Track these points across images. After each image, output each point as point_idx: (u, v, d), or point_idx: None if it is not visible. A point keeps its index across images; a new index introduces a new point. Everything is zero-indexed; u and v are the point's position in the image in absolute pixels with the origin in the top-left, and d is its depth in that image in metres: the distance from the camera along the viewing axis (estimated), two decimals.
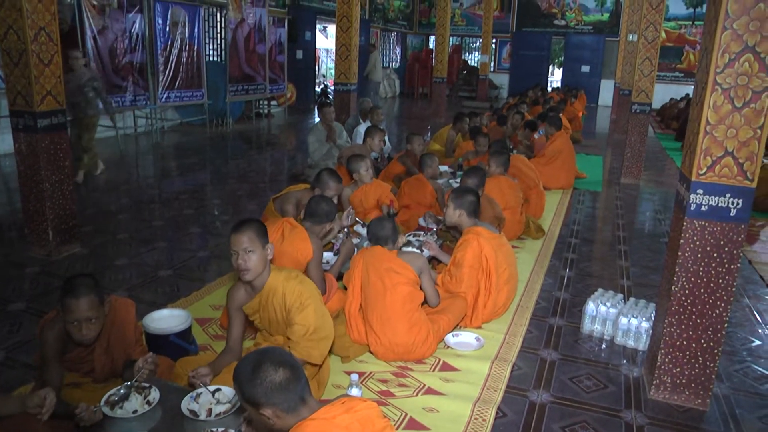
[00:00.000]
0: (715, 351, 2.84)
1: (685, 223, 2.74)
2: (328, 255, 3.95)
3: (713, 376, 2.89)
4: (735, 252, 2.71)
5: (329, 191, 4.03)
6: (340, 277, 3.64)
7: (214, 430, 2.04)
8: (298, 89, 14.77)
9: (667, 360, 2.93)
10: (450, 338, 3.43)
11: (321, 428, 1.63)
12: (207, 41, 11.31)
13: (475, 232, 3.69)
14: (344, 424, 1.67)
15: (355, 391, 2.50)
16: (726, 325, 2.81)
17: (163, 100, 9.88)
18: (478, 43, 22.14)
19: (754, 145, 2.58)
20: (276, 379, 1.62)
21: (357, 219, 4.48)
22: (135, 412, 2.13)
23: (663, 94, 17.15)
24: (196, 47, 10.43)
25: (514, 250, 4.31)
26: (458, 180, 5.21)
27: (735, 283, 2.76)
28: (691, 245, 2.76)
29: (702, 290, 2.80)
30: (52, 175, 4.38)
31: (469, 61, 22.84)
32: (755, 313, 4.15)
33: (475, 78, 20.52)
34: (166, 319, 3.01)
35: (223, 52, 11.81)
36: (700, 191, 2.69)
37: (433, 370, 3.15)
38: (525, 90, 16.72)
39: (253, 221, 2.58)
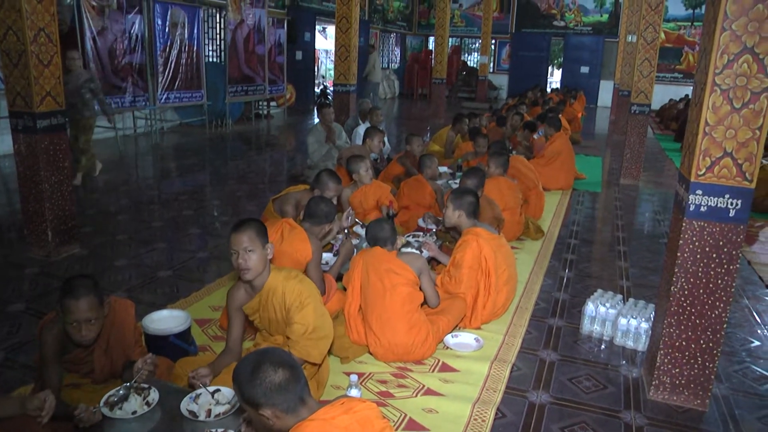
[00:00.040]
0: (715, 351, 2.84)
1: (684, 224, 2.75)
2: (327, 256, 3.95)
3: (712, 377, 2.89)
4: (734, 253, 2.72)
5: (329, 192, 4.03)
6: (339, 278, 3.64)
7: (214, 430, 2.04)
8: (297, 90, 14.77)
9: (666, 360, 2.93)
10: (449, 339, 3.44)
11: (320, 429, 1.63)
12: (206, 42, 11.31)
13: (475, 233, 3.70)
14: (343, 425, 1.67)
15: (354, 392, 2.50)
16: (725, 325, 2.81)
17: (163, 101, 9.88)
18: (477, 44, 22.17)
19: (752, 145, 2.58)
20: (275, 379, 1.62)
21: (356, 220, 4.48)
22: (134, 413, 2.13)
23: (662, 95, 17.16)
24: (195, 48, 10.43)
25: (514, 251, 4.31)
26: (457, 181, 5.22)
27: (734, 284, 2.76)
28: (690, 246, 2.77)
29: (701, 291, 2.80)
30: (52, 175, 4.38)
31: (468, 62, 22.86)
32: (754, 313, 4.15)
33: (474, 79, 20.54)
34: (166, 320, 3.01)
35: (222, 53, 11.81)
36: (699, 192, 2.69)
37: (433, 371, 3.15)
38: (524, 91, 16.73)
39: (253, 221, 2.59)
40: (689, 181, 2.70)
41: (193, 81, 10.45)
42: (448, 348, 3.39)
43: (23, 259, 4.43)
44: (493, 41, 20.71)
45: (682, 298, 2.83)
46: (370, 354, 3.24)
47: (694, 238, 2.75)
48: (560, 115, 9.75)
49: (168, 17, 9.73)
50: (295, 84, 14.59)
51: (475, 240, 3.65)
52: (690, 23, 19.47)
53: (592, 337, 3.65)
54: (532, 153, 7.87)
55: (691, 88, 2.86)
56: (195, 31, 10.39)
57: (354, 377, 2.55)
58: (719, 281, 2.76)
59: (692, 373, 2.90)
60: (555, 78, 23.86)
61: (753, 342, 3.73)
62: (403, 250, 3.75)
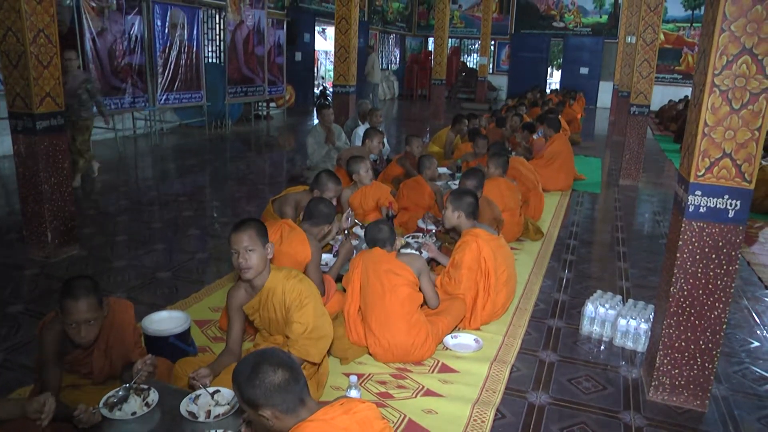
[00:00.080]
0: (714, 352, 2.85)
1: (683, 225, 2.75)
2: (327, 257, 3.95)
3: (712, 378, 2.89)
4: (733, 253, 2.72)
5: (328, 193, 4.03)
6: (339, 279, 3.64)
7: (213, 431, 2.04)
8: (297, 91, 14.78)
9: (665, 361, 2.93)
10: (449, 340, 3.44)
11: (320, 429, 1.64)
12: (206, 43, 11.33)
13: (474, 233, 3.70)
14: (343, 426, 1.67)
15: (353, 393, 2.50)
16: (724, 326, 2.81)
17: (162, 101, 9.88)
18: (476, 45, 22.19)
19: (752, 146, 2.59)
20: (275, 380, 1.62)
21: (356, 221, 4.48)
22: (134, 413, 2.13)
23: (661, 95, 17.20)
24: (195, 49, 10.44)
25: (513, 252, 4.31)
26: (457, 182, 5.22)
27: (733, 285, 2.76)
28: (690, 247, 2.77)
29: (700, 292, 2.80)
30: (51, 176, 4.38)
31: (467, 63, 22.87)
32: (754, 314, 4.16)
33: (473, 80, 20.55)
34: (165, 321, 3.01)
35: (222, 54, 11.82)
36: (699, 193, 2.70)
37: (432, 372, 3.15)
38: (524, 92, 16.75)
39: (254, 220, 2.60)
40: (688, 182, 2.70)
41: (192, 82, 10.45)
42: (447, 349, 3.39)
43: (23, 260, 4.43)
44: (493, 42, 20.72)
45: (682, 299, 2.84)
46: (370, 355, 3.24)
47: (694, 239, 2.75)
48: (559, 116, 9.76)
49: (167, 18, 9.73)
50: (295, 85, 14.60)
51: (474, 241, 3.65)
52: (689, 24, 19.49)
53: (591, 338, 3.65)
54: (531, 154, 7.87)
55: (691, 89, 2.87)
56: (194, 32, 10.39)
57: (353, 378, 2.55)
58: (718, 282, 2.76)
59: (692, 373, 2.90)
60: (554, 79, 23.89)
61: (752, 343, 3.73)
62: (403, 251, 3.76)
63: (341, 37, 8.62)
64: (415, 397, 2.91)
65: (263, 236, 2.56)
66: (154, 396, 2.21)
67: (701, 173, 2.67)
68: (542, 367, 3.30)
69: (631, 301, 3.75)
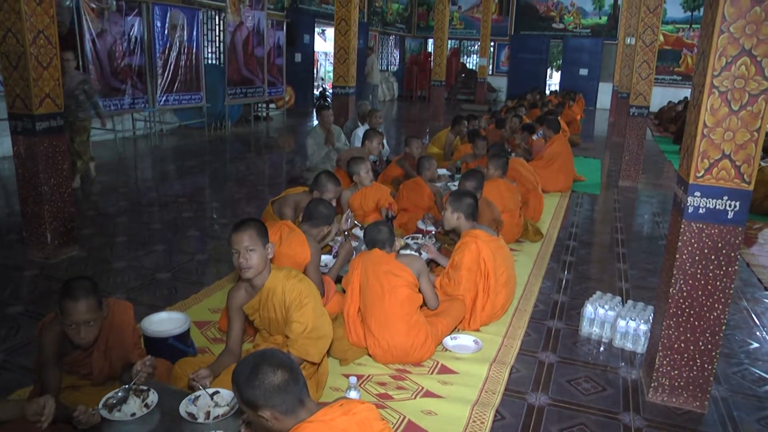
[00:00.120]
0: (713, 353, 2.85)
1: (682, 226, 2.75)
2: (326, 258, 3.95)
3: (711, 379, 2.89)
4: (732, 254, 2.72)
5: (328, 194, 4.03)
6: (338, 280, 3.64)
7: None
8: (296, 92, 14.79)
9: (665, 362, 2.93)
10: (448, 341, 3.43)
11: (319, 430, 1.64)
12: (205, 44, 11.33)
13: (473, 234, 3.70)
14: (342, 427, 1.67)
15: (353, 394, 2.50)
16: (724, 327, 2.81)
17: (162, 103, 9.89)
18: (476, 47, 22.21)
19: (751, 147, 2.59)
20: (274, 381, 1.62)
21: (356, 222, 4.48)
22: (133, 415, 2.12)
23: (661, 97, 17.22)
24: (194, 50, 10.44)
25: (513, 253, 4.31)
26: (456, 183, 5.22)
27: (733, 286, 2.76)
28: (689, 248, 2.77)
29: (700, 293, 2.80)
30: (51, 178, 4.38)
31: (467, 64, 22.90)
32: (753, 315, 4.16)
33: (473, 81, 20.56)
34: (165, 322, 3.01)
35: (221, 55, 11.83)
36: (698, 194, 2.70)
37: (432, 373, 3.15)
38: (523, 93, 16.76)
39: (254, 220, 2.61)
40: (688, 183, 2.70)
41: (192, 83, 10.46)
42: (447, 350, 3.39)
43: (22, 261, 4.43)
44: (492, 43, 20.73)
45: (681, 300, 2.84)
46: (369, 356, 3.24)
47: (693, 240, 2.76)
48: (559, 117, 9.77)
49: (167, 19, 9.74)
50: (294, 86, 14.61)
51: (474, 242, 3.65)
52: (688, 25, 19.51)
53: (591, 339, 3.65)
54: (530, 155, 7.88)
55: (690, 90, 2.87)
56: (194, 33, 10.40)
57: (353, 379, 2.55)
58: (718, 283, 2.76)
59: (691, 374, 2.91)
60: (554, 80, 23.89)
61: (752, 344, 3.73)
62: (402, 252, 3.76)
63: (341, 38, 8.63)
64: (415, 398, 2.91)
65: (264, 236, 2.56)
66: (153, 397, 2.21)
67: (700, 174, 2.67)
68: (542, 368, 3.30)
69: (630, 302, 3.75)
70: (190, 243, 5.10)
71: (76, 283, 2.24)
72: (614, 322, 3.58)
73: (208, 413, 2.14)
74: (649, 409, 2.95)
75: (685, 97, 16.05)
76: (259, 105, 12.98)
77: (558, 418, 2.84)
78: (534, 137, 8.31)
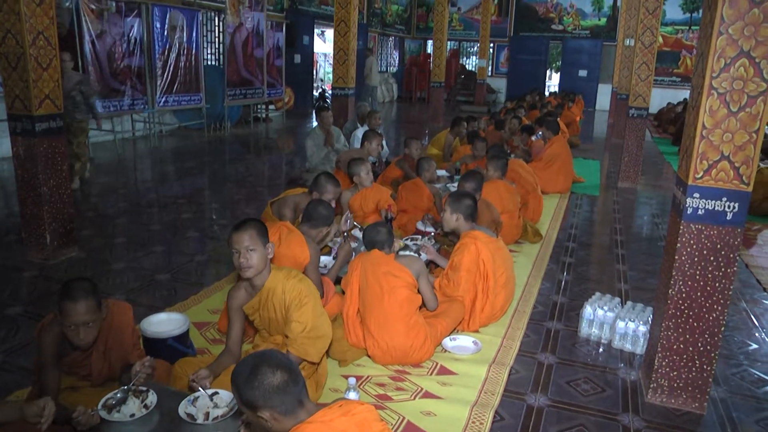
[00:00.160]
0: (712, 354, 2.85)
1: (681, 227, 2.76)
2: (326, 259, 3.95)
3: (710, 380, 2.89)
4: (731, 255, 2.72)
5: (327, 195, 4.04)
6: (338, 281, 3.64)
7: None
8: (296, 93, 14.78)
9: (664, 363, 2.93)
10: (447, 342, 3.44)
11: (318, 431, 1.64)
12: (205, 45, 11.33)
13: (473, 236, 3.70)
14: (342, 428, 1.67)
15: (352, 395, 2.50)
16: (723, 328, 2.82)
17: (161, 104, 9.89)
18: (475, 48, 22.21)
19: (749, 149, 2.59)
20: (274, 381, 1.62)
21: (355, 223, 4.48)
22: (132, 415, 2.12)
23: (660, 98, 17.24)
24: (194, 51, 10.45)
25: (512, 254, 4.32)
26: (456, 184, 5.22)
27: (732, 287, 2.77)
28: (688, 249, 2.77)
29: (699, 294, 2.81)
30: (50, 179, 4.38)
31: (466, 66, 22.91)
32: (752, 316, 4.16)
33: (472, 82, 20.57)
34: (164, 323, 3.01)
35: (221, 57, 11.83)
36: (697, 195, 2.70)
37: (431, 374, 3.15)
38: (523, 94, 16.76)
39: (254, 220, 2.61)
40: (687, 185, 2.71)
41: (191, 84, 10.46)
42: (446, 351, 3.39)
43: (21, 262, 4.43)
44: (492, 45, 20.76)
45: (680, 301, 2.84)
46: (369, 357, 3.24)
47: (692, 241, 2.76)
48: (558, 119, 9.78)
49: (167, 20, 9.74)
50: (294, 87, 14.61)
51: (473, 243, 3.66)
52: (688, 27, 19.54)
53: (590, 340, 3.65)
54: (530, 156, 7.88)
55: (689, 91, 2.87)
56: (194, 34, 10.40)
57: (352, 380, 2.55)
58: (717, 284, 2.77)
59: (690, 376, 2.91)
60: (553, 81, 23.91)
61: (751, 345, 3.73)
62: (401, 253, 3.76)
63: (340, 39, 8.64)
64: (414, 399, 2.91)
65: (264, 236, 2.57)
66: (152, 398, 2.20)
67: (699, 176, 2.68)
68: (541, 369, 3.30)
69: (629, 303, 3.75)
70: (189, 244, 5.10)
71: (75, 284, 2.24)
72: (613, 323, 3.58)
73: (207, 414, 2.14)
74: (648, 410, 2.95)
75: (684, 99, 16.08)
76: (259, 106, 12.99)
77: (557, 419, 2.84)
78: (533, 138, 8.31)
